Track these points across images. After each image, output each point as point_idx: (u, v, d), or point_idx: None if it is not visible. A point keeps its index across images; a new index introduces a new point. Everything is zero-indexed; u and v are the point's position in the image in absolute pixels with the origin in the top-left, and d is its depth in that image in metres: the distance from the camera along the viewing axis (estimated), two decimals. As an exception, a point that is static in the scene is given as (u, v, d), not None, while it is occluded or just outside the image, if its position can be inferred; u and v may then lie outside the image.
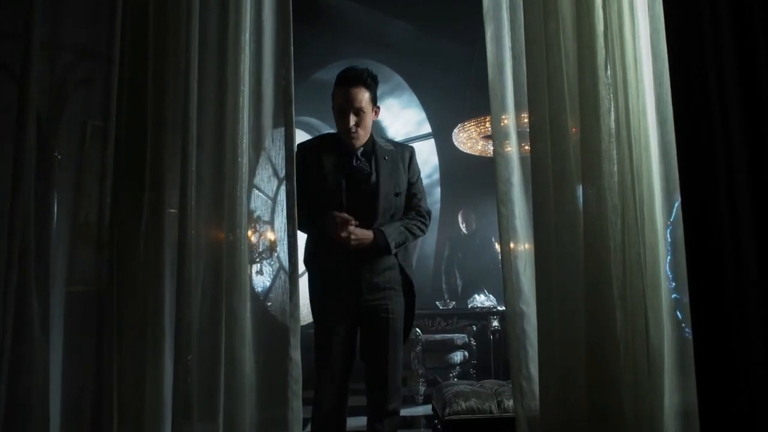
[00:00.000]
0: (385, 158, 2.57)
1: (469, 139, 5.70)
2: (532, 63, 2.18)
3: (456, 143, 5.98)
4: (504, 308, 5.12)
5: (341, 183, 2.50)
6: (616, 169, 2.08)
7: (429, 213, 2.71)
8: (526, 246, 2.23)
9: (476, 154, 6.22)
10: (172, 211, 2.21)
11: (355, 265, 2.47)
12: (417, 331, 5.43)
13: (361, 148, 2.56)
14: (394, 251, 2.50)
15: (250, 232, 2.33)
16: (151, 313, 2.18)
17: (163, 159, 2.23)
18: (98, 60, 2.26)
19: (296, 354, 2.17)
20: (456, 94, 7.15)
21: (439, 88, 7.49)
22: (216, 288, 2.20)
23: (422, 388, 5.54)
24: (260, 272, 2.52)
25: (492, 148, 6.27)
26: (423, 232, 2.65)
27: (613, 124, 2.08)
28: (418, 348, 5.51)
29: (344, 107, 2.51)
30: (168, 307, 2.19)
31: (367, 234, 2.46)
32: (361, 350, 2.54)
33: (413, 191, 2.64)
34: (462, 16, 6.16)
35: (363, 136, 2.55)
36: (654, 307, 2.02)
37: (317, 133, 7.97)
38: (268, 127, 2.31)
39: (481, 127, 5.45)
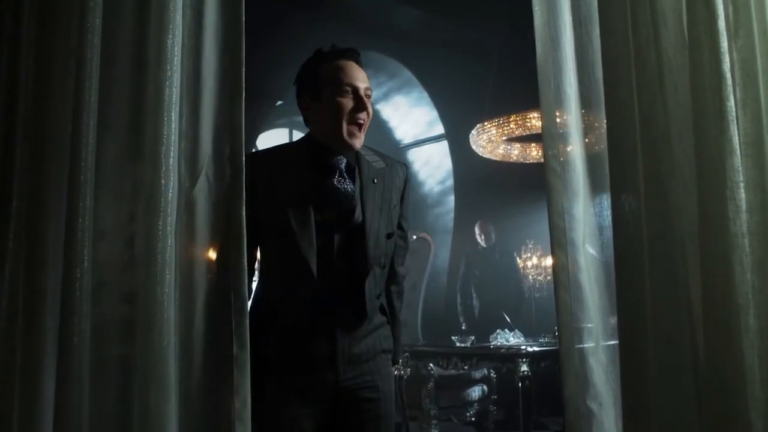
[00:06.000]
0: (373, 181, 1.78)
1: (489, 142, 4.92)
2: (608, 31, 1.40)
3: (474, 146, 5.21)
4: (537, 348, 4.44)
5: (309, 215, 1.71)
6: (744, 196, 1.30)
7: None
8: (598, 316, 1.45)
9: (497, 158, 5.46)
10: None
11: (326, 330, 1.70)
12: (429, 366, 4.78)
13: (345, 160, 1.78)
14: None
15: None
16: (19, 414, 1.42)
17: (41, 178, 1.47)
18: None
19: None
20: (473, 89, 6.43)
21: (453, 83, 6.74)
22: (125, 377, 1.45)
23: (435, 432, 4.89)
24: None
25: (515, 151, 5.54)
26: None
27: (744, 126, 1.30)
28: (430, 385, 4.84)
29: (350, 85, 1.70)
30: (45, 403, 1.43)
31: None
32: None
33: (400, 221, 1.86)
34: (480, 1, 5.46)
35: (363, 137, 1.79)
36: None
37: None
38: (209, 132, 1.55)
39: (504, 128, 4.67)
